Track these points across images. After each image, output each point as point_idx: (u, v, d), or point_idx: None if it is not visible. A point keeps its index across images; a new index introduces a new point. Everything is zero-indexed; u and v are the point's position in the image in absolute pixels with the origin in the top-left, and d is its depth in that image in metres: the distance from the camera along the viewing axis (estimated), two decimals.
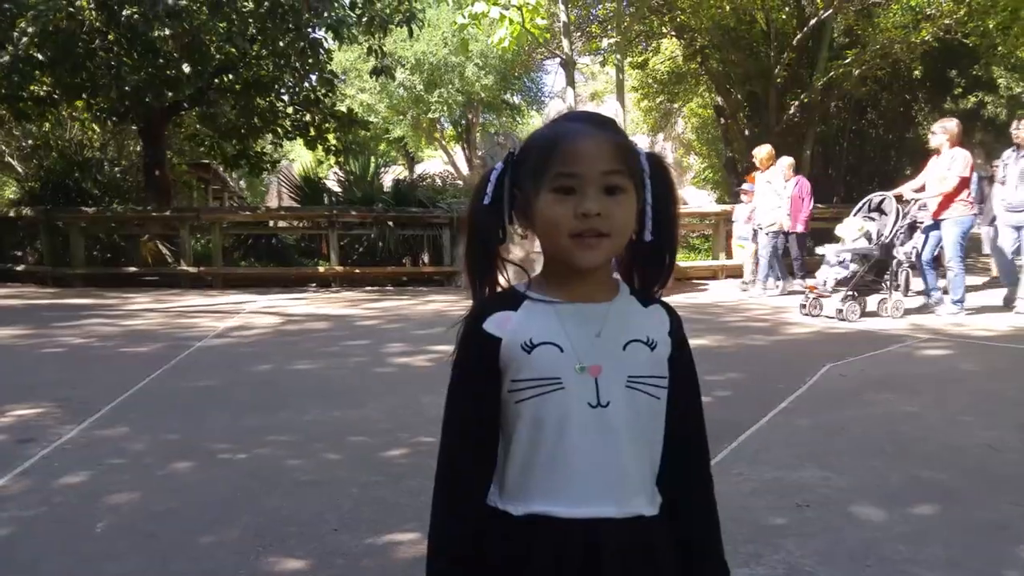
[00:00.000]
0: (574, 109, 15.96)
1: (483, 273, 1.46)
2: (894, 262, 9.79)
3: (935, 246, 9.91)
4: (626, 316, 1.44)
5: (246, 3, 14.26)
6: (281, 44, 14.83)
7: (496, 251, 1.46)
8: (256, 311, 10.68)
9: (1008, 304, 9.93)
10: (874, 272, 9.65)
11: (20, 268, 15.68)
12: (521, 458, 1.40)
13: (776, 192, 12.29)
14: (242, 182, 35.56)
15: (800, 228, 12.39)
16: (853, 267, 9.64)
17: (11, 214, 16.51)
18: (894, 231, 9.57)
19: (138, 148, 18.78)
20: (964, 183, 9.50)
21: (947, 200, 9.55)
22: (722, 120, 21.93)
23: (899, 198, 10.01)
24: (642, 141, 32.46)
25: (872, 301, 9.80)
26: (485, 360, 1.40)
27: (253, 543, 3.27)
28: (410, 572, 3.04)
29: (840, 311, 9.37)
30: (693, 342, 1.50)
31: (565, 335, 1.38)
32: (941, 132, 9.84)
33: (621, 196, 1.38)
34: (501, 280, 1.48)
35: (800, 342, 7.97)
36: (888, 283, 9.80)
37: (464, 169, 32.79)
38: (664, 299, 1.50)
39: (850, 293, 9.50)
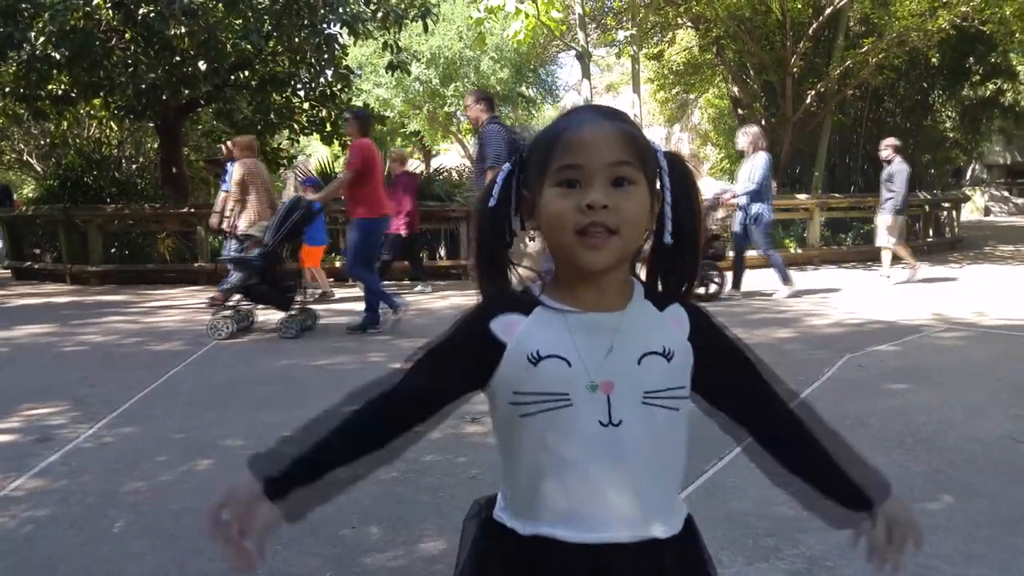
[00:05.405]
0: (589, 102, 15.95)
1: (492, 279, 1.40)
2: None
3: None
4: (641, 326, 1.35)
5: (261, 0, 14.28)
6: (296, 40, 14.82)
7: (504, 255, 1.40)
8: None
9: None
10: (265, 283, 8.17)
11: (39, 266, 15.78)
12: (527, 477, 1.33)
13: None
14: None
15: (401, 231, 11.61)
16: (236, 276, 8.30)
17: (30, 212, 16.60)
18: (278, 236, 8.14)
19: (155, 145, 18.84)
20: (362, 179, 8.33)
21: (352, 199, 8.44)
22: (739, 110, 21.91)
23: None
24: (658, 132, 32.46)
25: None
26: (479, 360, 1.34)
27: (271, 542, 3.26)
28: (430, 569, 3.04)
29: (211, 325, 8.19)
30: None
31: (575, 348, 1.30)
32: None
33: (631, 189, 1.29)
34: (513, 282, 1.41)
35: (818, 334, 7.92)
36: (282, 296, 8.32)
37: None
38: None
39: (230, 305, 8.45)
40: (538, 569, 1.30)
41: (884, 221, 11.71)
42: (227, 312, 8.38)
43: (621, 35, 19.06)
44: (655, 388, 1.31)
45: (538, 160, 1.34)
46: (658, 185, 1.36)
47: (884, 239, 11.83)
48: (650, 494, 1.32)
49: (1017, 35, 17.34)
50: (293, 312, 8.37)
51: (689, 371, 1.37)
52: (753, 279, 11.27)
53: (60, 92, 15.55)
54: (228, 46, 14.38)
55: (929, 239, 18.43)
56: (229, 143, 10.44)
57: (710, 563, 1.42)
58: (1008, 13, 16.29)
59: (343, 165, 8.59)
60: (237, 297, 8.48)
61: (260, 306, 8.60)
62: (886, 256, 12.02)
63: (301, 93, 17.25)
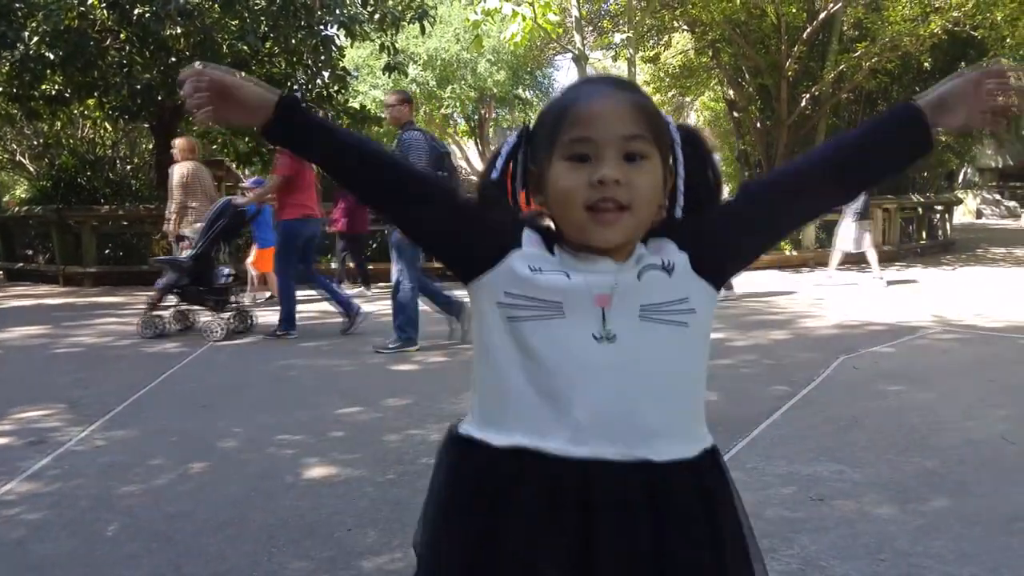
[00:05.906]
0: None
1: None
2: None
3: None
4: (641, 257, 1.30)
5: (258, 1, 14.27)
6: (293, 42, 14.83)
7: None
8: (270, 307, 10.66)
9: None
10: (197, 284, 8.33)
11: (32, 267, 15.73)
12: (510, 386, 1.26)
13: None
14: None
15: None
16: (169, 276, 8.40)
17: (23, 213, 16.54)
18: (207, 238, 8.23)
19: (150, 146, 18.82)
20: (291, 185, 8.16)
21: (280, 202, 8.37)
22: (734, 113, 21.92)
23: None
24: None
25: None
26: (494, 242, 1.31)
27: (267, 544, 3.26)
28: None
29: (143, 324, 8.36)
30: None
31: (579, 273, 1.26)
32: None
33: (643, 164, 1.24)
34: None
35: (813, 335, 7.94)
36: (215, 298, 8.40)
37: (477, 164, 32.79)
38: None
39: (167, 305, 8.60)
40: (514, 482, 1.24)
41: (847, 228, 11.90)
42: (159, 312, 8.49)
43: (617, 38, 19.14)
44: (654, 301, 1.26)
45: (546, 132, 1.29)
46: (671, 159, 1.32)
47: (849, 245, 12.00)
48: (649, 414, 1.25)
49: (1008, 40, 17.41)
50: (224, 315, 8.36)
51: (696, 282, 1.31)
52: (751, 279, 11.27)
53: (54, 92, 15.50)
54: (224, 47, 14.36)
55: (923, 241, 18.54)
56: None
57: (726, 496, 1.34)
58: (999, 18, 16.40)
59: (272, 170, 8.67)
60: (174, 298, 8.57)
61: (194, 307, 8.68)
62: (873, 259, 12.08)
63: (298, 95, 17.23)
